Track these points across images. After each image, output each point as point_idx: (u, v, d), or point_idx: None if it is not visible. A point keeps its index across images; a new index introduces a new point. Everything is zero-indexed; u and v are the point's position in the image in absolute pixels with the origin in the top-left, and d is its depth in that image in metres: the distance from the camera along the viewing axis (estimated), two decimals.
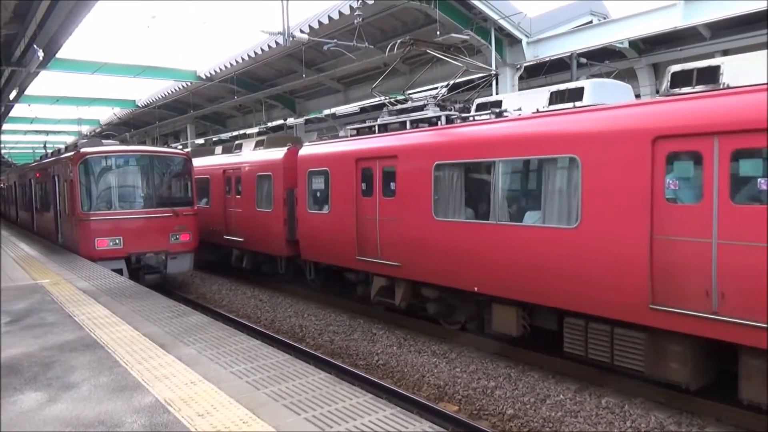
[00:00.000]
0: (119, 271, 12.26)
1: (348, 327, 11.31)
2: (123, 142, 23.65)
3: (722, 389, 6.84)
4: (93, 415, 4.30)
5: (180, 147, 24.99)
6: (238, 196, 16.02)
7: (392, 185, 10.36)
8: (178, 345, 6.12)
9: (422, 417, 4.80)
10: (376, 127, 11.34)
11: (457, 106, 10.65)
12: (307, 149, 13.09)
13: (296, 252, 13.56)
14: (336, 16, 17.33)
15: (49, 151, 22.50)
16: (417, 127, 10.51)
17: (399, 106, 11.19)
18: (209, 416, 4.22)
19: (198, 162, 18.35)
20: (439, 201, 9.42)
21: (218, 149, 18.94)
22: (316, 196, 12.62)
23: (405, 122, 10.67)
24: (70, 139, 42.91)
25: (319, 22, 17.93)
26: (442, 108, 10.48)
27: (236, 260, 16.73)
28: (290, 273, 14.69)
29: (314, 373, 5.20)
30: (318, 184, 12.48)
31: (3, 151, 50.54)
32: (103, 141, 16.29)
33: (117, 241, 13.13)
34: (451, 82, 12.08)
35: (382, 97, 12.32)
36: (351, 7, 16.20)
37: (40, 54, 14.44)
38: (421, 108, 10.62)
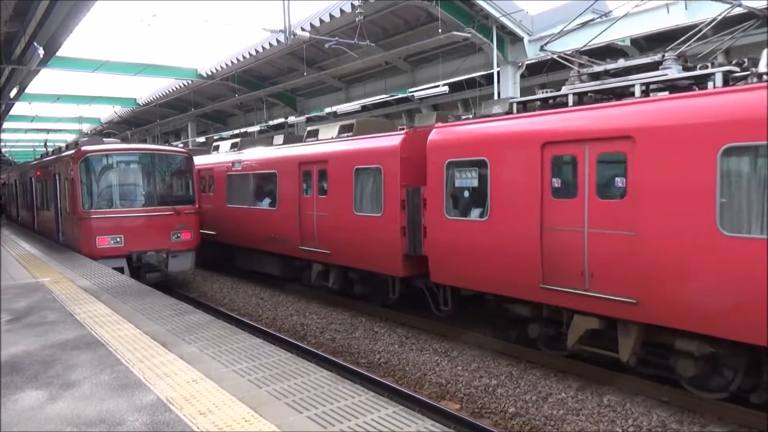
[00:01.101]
0: (120, 270, 12.27)
1: (350, 325, 11.31)
2: (124, 140, 23.72)
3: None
4: (94, 414, 4.30)
5: (180, 145, 24.94)
6: (323, 196, 12.45)
7: (618, 181, 7.24)
8: (180, 343, 6.12)
9: (424, 415, 4.78)
10: (569, 98, 8.07)
11: (724, 66, 6.90)
12: (445, 132, 9.69)
13: (418, 272, 10.39)
14: (337, 14, 17.36)
15: (50, 149, 22.53)
16: (648, 95, 7.34)
17: (596, 69, 8.12)
18: (211, 415, 4.21)
19: (251, 154, 15.87)
20: (731, 206, 6.17)
21: (278, 139, 15.44)
22: (461, 197, 9.43)
23: (616, 90, 7.72)
24: (70, 138, 42.89)
25: (321, 20, 17.96)
26: (686, 68, 7.26)
27: (318, 277, 13.21)
28: (399, 298, 11.43)
29: (316, 371, 5.20)
30: (466, 179, 9.32)
31: (4, 150, 50.60)
32: (104, 139, 16.31)
33: (118, 239, 13.13)
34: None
35: (555, 55, 9.49)
36: (352, 5, 16.19)
37: (41, 52, 14.46)
38: (655, 67, 7.40)
